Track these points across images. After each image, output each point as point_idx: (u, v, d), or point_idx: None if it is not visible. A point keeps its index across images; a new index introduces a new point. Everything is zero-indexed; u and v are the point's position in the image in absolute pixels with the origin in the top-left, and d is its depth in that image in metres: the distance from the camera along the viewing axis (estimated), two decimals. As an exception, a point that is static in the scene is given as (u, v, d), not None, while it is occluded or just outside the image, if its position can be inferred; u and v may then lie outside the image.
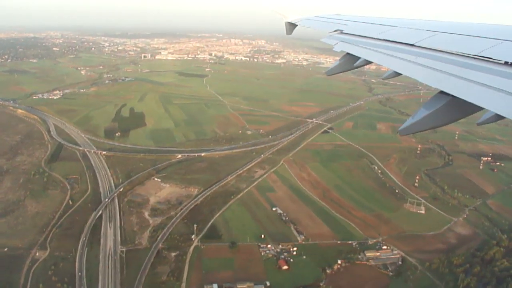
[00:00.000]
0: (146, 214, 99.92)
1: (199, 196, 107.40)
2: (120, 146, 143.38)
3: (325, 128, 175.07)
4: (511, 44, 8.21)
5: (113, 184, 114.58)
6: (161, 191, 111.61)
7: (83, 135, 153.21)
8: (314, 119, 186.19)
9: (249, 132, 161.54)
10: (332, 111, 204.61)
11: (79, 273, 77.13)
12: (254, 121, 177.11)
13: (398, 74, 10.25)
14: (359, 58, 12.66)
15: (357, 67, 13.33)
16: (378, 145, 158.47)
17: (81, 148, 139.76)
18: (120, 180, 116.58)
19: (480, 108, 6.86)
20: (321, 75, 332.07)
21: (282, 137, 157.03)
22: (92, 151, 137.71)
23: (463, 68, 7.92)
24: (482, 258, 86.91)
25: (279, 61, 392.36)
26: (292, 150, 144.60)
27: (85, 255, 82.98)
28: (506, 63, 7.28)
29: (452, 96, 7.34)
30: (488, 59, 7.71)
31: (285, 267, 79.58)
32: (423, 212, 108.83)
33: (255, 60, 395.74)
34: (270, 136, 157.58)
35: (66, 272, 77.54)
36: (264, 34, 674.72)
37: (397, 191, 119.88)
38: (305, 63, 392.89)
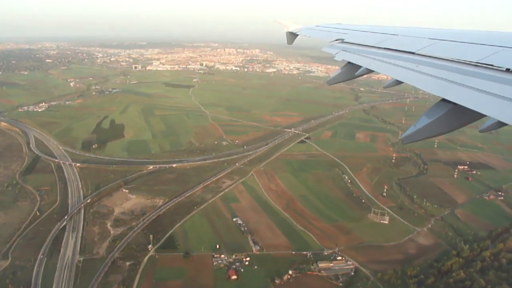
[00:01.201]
0: (109, 224, 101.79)
1: (162, 207, 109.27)
2: (95, 157, 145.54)
3: (302, 138, 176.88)
4: None
5: (82, 196, 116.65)
6: (127, 202, 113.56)
7: (61, 147, 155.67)
8: (292, 129, 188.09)
9: (224, 143, 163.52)
10: (313, 121, 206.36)
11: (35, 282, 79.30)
12: (232, 131, 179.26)
13: (399, 83, 10.29)
14: (360, 67, 12.71)
15: (358, 76, 13.37)
16: (354, 154, 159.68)
17: (56, 160, 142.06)
18: (89, 192, 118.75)
19: (482, 115, 6.84)
20: (310, 84, 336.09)
21: (257, 148, 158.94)
22: (67, 163, 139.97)
23: (464, 75, 7.98)
24: (439, 269, 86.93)
25: (270, 70, 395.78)
26: (264, 160, 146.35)
27: (44, 265, 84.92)
28: (507, 70, 7.32)
29: (454, 103, 7.36)
30: (490, 66, 7.75)
31: (234, 277, 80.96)
32: (386, 222, 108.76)
33: (246, 69, 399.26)
34: (245, 147, 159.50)
35: (23, 281, 79.28)
36: (260, 43, 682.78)
37: (363, 201, 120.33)
38: (295, 72, 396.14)
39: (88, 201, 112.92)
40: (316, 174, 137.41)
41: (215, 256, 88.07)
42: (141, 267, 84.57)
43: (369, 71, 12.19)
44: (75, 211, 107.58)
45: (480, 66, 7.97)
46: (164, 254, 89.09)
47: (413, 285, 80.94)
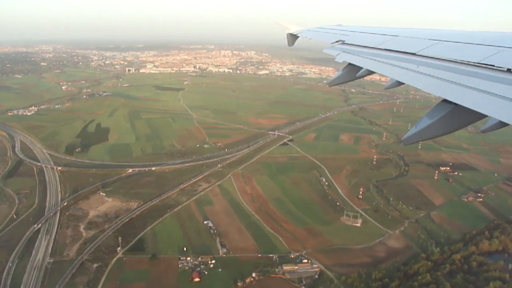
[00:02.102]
0: (82, 227, 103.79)
1: (136, 210, 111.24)
2: (77, 161, 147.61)
3: (285, 140, 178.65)
4: None
5: (59, 199, 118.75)
6: (103, 205, 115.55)
7: (45, 151, 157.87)
8: (276, 131, 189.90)
9: (206, 146, 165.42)
10: (298, 123, 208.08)
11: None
12: (215, 134, 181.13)
13: (400, 84, 10.28)
14: (361, 68, 12.75)
15: (359, 77, 13.49)
16: (335, 156, 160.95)
17: (39, 164, 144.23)
18: (67, 195, 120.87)
19: (483, 116, 6.89)
20: (300, 85, 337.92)
21: (238, 150, 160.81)
22: (49, 166, 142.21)
23: (465, 76, 7.99)
24: (405, 273, 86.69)
25: (262, 72, 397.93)
26: (244, 163, 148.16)
27: (14, 267, 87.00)
28: (508, 70, 7.36)
29: (455, 104, 7.38)
30: (491, 67, 7.78)
31: (197, 279, 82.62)
32: (358, 225, 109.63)
33: (238, 71, 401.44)
34: (226, 150, 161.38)
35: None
36: (258, 44, 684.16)
37: (338, 203, 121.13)
38: (287, 74, 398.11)
39: (65, 204, 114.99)
40: (293, 177, 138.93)
41: (181, 258, 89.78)
42: (108, 269, 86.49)
43: (370, 72, 12.32)
44: (51, 214, 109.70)
45: (481, 66, 8.04)
46: (131, 256, 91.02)
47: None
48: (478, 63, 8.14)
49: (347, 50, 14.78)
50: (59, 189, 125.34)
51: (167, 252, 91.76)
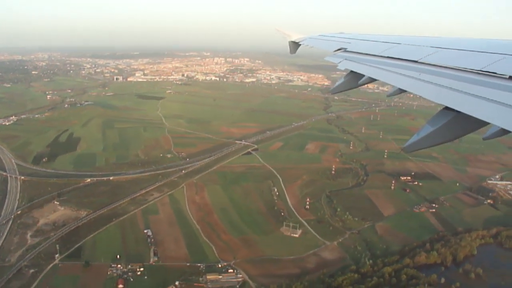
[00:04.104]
0: (29, 234, 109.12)
1: (84, 219, 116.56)
2: (41, 171, 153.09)
3: (249, 150, 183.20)
4: None
5: (15, 208, 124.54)
6: (54, 213, 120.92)
7: (13, 161, 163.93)
8: (243, 140, 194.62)
9: (169, 155, 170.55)
10: (268, 132, 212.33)
11: None
12: (182, 143, 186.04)
13: (402, 91, 10.31)
14: (363, 76, 12.77)
15: (361, 85, 13.52)
16: (294, 166, 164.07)
17: (4, 174, 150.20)
18: (23, 203, 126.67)
19: (485, 123, 6.87)
20: (284, 93, 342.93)
21: (200, 160, 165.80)
22: (14, 176, 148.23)
23: (467, 83, 7.95)
24: (328, 285, 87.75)
25: (249, 80, 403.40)
26: (201, 173, 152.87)
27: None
28: (510, 77, 7.34)
29: (457, 111, 7.40)
30: (493, 74, 7.76)
31: (121, 286, 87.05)
32: (297, 235, 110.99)
33: (225, 80, 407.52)
34: (187, 159, 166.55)
35: None
36: (253, 51, 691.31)
37: (283, 214, 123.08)
38: (274, 81, 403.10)
39: (19, 212, 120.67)
40: (246, 187, 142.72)
41: (113, 266, 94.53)
42: (42, 275, 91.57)
43: (372, 80, 12.33)
44: (4, 222, 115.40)
45: (483, 74, 8.01)
46: (67, 263, 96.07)
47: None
48: (480, 70, 8.16)
49: (349, 57, 14.96)
50: (17, 198, 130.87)
51: (100, 260, 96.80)
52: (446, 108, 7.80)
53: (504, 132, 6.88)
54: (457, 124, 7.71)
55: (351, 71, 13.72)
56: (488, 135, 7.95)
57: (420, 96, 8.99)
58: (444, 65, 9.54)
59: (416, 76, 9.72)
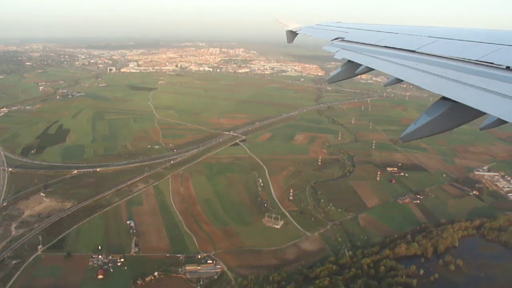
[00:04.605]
0: (14, 226, 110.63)
1: (68, 210, 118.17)
2: (29, 163, 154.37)
3: (237, 141, 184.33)
4: None
5: (1, 199, 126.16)
6: (39, 205, 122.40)
7: (2, 153, 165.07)
8: (231, 131, 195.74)
9: (157, 147, 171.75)
10: (257, 123, 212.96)
11: None
12: (171, 135, 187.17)
13: (399, 81, 10.30)
14: (360, 65, 12.74)
15: (358, 74, 13.48)
16: (281, 157, 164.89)
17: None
18: (9, 195, 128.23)
19: (482, 113, 6.89)
20: (276, 84, 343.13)
21: (187, 151, 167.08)
22: (1, 168, 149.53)
23: (464, 73, 7.96)
24: (306, 276, 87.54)
25: (242, 70, 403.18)
26: (187, 164, 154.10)
27: None
28: (507, 68, 7.37)
29: (454, 101, 7.41)
30: (490, 65, 7.79)
31: (101, 276, 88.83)
32: (278, 227, 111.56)
33: (218, 70, 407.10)
34: (175, 150, 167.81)
35: None
36: (249, 41, 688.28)
37: (266, 205, 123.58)
38: (268, 72, 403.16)
39: (4, 204, 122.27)
40: (231, 178, 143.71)
41: (94, 256, 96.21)
42: (24, 265, 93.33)
43: (369, 69, 12.29)
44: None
45: (480, 64, 8.02)
46: (49, 254, 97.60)
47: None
48: (477, 60, 8.16)
49: (346, 47, 14.96)
50: (4, 189, 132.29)
51: (82, 251, 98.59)
52: (444, 98, 7.83)
53: (500, 122, 6.91)
54: (454, 114, 7.76)
55: (349, 61, 13.81)
56: (485, 125, 7.97)
57: (417, 86, 9.08)
58: (442, 55, 9.65)
59: (414, 66, 9.82)
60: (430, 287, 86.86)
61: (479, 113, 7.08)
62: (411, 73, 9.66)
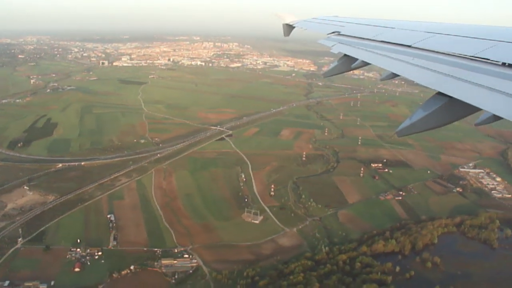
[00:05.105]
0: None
1: (50, 204, 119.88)
2: (15, 156, 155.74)
3: (223, 136, 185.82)
4: (508, 45, 8.27)
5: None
6: (22, 198, 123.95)
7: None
8: (218, 126, 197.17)
9: (142, 141, 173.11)
10: (245, 118, 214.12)
11: None
12: (157, 129, 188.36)
13: (395, 76, 10.30)
14: (356, 59, 12.76)
15: (354, 69, 13.54)
16: (266, 152, 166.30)
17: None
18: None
19: (477, 109, 6.91)
20: (267, 79, 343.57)
21: (173, 145, 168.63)
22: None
23: (460, 69, 8.00)
24: (280, 271, 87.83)
25: (234, 65, 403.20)
26: (172, 158, 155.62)
27: None
28: (503, 64, 7.38)
29: (450, 97, 7.41)
30: (486, 60, 7.80)
31: (77, 269, 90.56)
32: (257, 222, 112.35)
33: (211, 64, 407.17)
34: (160, 145, 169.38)
35: None
36: (244, 36, 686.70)
37: (246, 200, 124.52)
38: (260, 66, 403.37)
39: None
40: (214, 173, 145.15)
41: (72, 250, 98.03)
42: (3, 258, 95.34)
43: (366, 64, 12.26)
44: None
45: (476, 60, 8.04)
46: (28, 246, 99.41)
47: (243, 286, 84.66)
48: (473, 56, 8.19)
49: (343, 41, 14.95)
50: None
51: (61, 244, 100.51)
52: (439, 93, 7.82)
53: (496, 118, 6.93)
54: (450, 109, 7.72)
55: (345, 55, 13.85)
56: (480, 121, 8.10)
57: (413, 81, 9.14)
58: (438, 51, 9.64)
59: (410, 61, 9.85)
60: (405, 284, 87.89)
61: (474, 109, 7.10)
62: (407, 68, 9.78)
